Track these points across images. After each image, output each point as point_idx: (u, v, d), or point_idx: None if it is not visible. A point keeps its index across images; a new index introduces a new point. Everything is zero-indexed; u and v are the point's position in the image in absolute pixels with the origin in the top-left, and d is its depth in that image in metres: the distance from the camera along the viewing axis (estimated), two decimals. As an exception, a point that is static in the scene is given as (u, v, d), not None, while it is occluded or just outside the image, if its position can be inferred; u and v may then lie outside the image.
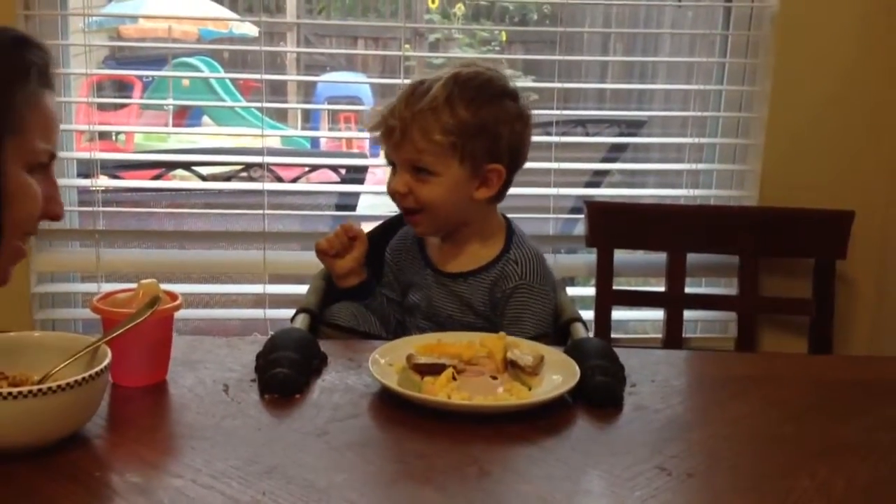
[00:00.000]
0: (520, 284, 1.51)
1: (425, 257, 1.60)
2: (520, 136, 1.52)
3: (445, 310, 1.54)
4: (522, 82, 2.21)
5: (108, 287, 1.84)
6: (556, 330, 1.50)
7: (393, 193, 1.52)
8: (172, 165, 2.91)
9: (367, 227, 1.68)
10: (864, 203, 2.08)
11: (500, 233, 1.57)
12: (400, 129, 1.46)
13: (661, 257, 2.10)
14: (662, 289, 2.11)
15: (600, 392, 1.15)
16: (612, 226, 2.09)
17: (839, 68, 2.10)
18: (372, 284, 1.59)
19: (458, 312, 1.53)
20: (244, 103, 5.08)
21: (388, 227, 1.70)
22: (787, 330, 2.17)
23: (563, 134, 2.33)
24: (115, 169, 2.65)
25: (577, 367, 1.17)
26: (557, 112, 2.18)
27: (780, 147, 2.13)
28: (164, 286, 1.20)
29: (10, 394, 0.91)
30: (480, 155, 1.47)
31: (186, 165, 2.82)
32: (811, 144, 2.13)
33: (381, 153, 1.58)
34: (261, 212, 2.15)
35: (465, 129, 1.45)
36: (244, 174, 2.74)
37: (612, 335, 2.09)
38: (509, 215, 1.60)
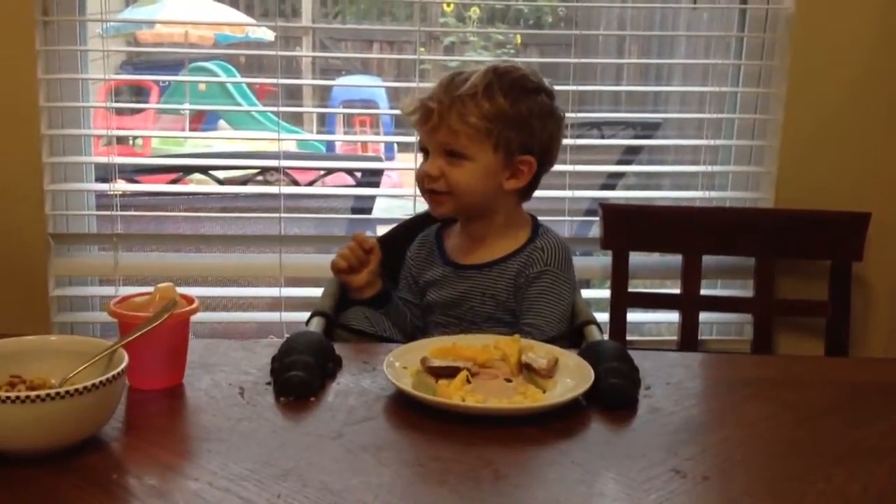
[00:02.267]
0: (545, 270, 1.53)
1: (444, 255, 1.61)
2: (552, 134, 1.55)
3: (467, 302, 1.55)
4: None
5: (125, 290, 1.86)
6: (571, 332, 1.50)
7: (423, 178, 1.53)
8: (189, 169, 2.92)
9: (381, 231, 1.69)
10: (880, 204, 2.07)
11: (526, 226, 1.59)
12: (438, 112, 1.49)
13: (676, 259, 2.10)
14: (678, 291, 2.10)
15: (615, 394, 1.15)
16: (627, 228, 2.09)
17: (855, 70, 2.09)
18: (389, 293, 1.60)
19: (478, 304, 1.54)
20: (260, 107, 5.11)
21: (403, 231, 1.71)
22: (804, 332, 2.16)
23: (579, 136, 2.33)
24: (132, 173, 2.66)
25: (591, 370, 1.17)
26: (573, 114, 2.18)
27: (795, 149, 2.12)
28: (181, 289, 1.21)
29: (28, 397, 0.92)
30: (514, 145, 1.50)
31: (203, 169, 2.84)
32: (827, 146, 2.12)
33: (415, 139, 1.59)
34: (277, 215, 2.16)
35: (501, 117, 1.49)
36: (260, 178, 2.75)
37: (627, 337, 2.09)
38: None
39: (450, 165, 1.51)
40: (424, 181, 1.53)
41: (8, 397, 0.92)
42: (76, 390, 0.94)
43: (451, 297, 1.56)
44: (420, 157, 1.59)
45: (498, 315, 1.53)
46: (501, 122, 1.49)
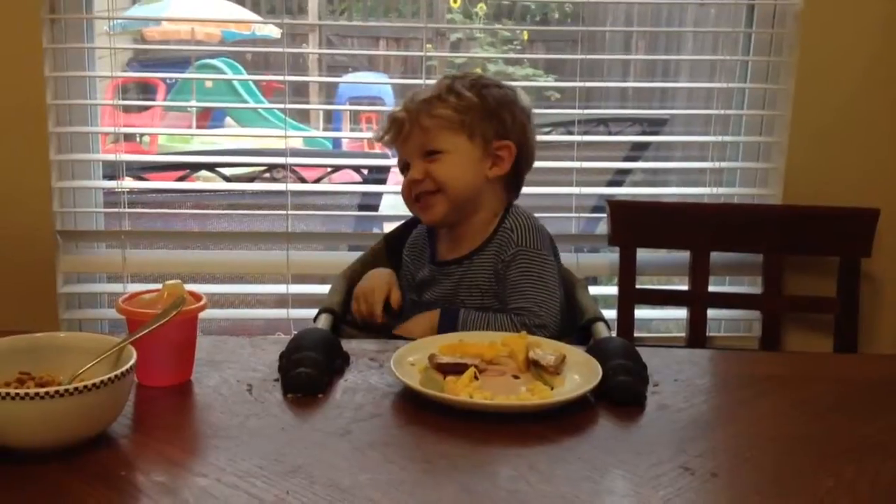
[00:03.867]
0: (518, 251, 1.53)
1: (433, 253, 1.61)
2: (523, 124, 1.57)
3: (457, 297, 1.55)
4: (544, 81, 2.21)
5: (133, 287, 1.86)
6: (579, 329, 1.50)
7: (409, 186, 1.55)
8: (196, 167, 2.92)
9: (388, 227, 1.69)
10: (889, 201, 2.06)
11: (500, 211, 1.59)
12: (408, 119, 1.53)
13: (684, 256, 2.10)
14: (686, 287, 2.10)
15: (623, 391, 1.15)
16: (634, 225, 2.08)
17: (863, 65, 2.08)
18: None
19: (467, 297, 1.55)
20: (267, 104, 5.11)
21: (410, 228, 1.71)
22: (812, 329, 2.15)
23: (586, 133, 2.33)
24: (139, 171, 2.67)
25: (599, 367, 1.17)
26: (579, 111, 2.18)
27: (803, 145, 2.11)
28: (189, 287, 1.21)
29: (36, 394, 0.92)
30: (489, 133, 1.53)
31: (210, 167, 2.84)
32: (835, 142, 2.11)
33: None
34: (284, 212, 2.16)
35: (470, 107, 1.52)
36: (267, 175, 2.75)
37: (635, 334, 2.09)
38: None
39: (431, 163, 1.52)
40: (411, 189, 1.55)
41: (17, 394, 0.92)
42: (85, 387, 0.94)
43: (442, 295, 1.56)
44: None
45: (487, 304, 1.53)
46: (471, 112, 1.52)
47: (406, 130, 1.53)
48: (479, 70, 1.63)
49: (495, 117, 1.53)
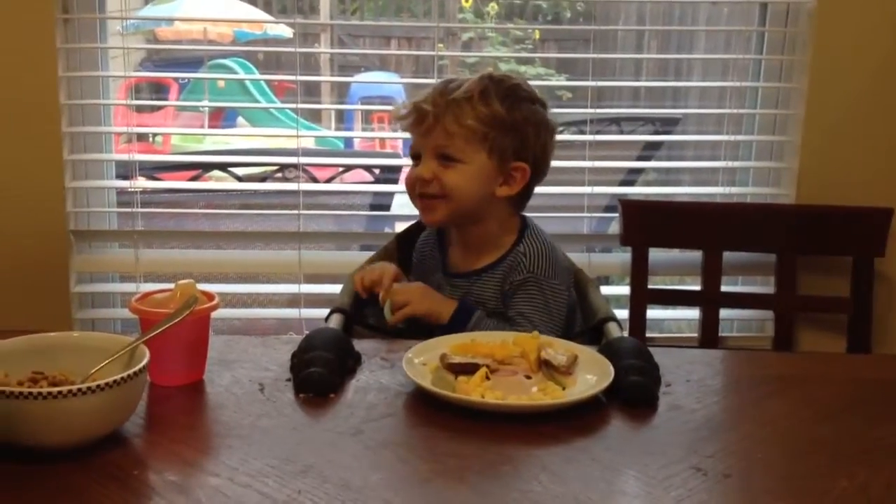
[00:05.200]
0: (528, 278, 1.51)
1: (444, 260, 1.60)
2: (545, 144, 1.55)
3: None
4: (556, 80, 2.21)
5: (146, 287, 1.86)
6: (590, 329, 1.50)
7: (415, 182, 1.52)
8: (209, 166, 2.93)
9: (399, 227, 1.68)
10: (903, 200, 2.06)
11: (514, 231, 1.57)
12: (433, 114, 1.49)
13: (696, 256, 2.09)
14: (698, 287, 2.09)
15: (635, 391, 1.15)
16: (647, 224, 2.08)
17: (877, 64, 2.07)
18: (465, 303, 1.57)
19: None
20: (279, 104, 5.12)
21: (421, 228, 1.71)
22: (825, 329, 2.15)
23: (598, 132, 2.32)
24: (152, 170, 2.68)
25: (611, 367, 1.17)
26: (591, 110, 2.17)
27: (817, 144, 2.10)
28: (201, 286, 1.21)
29: (49, 393, 0.93)
30: (508, 151, 1.50)
31: (222, 166, 2.84)
32: (849, 141, 2.10)
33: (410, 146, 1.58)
34: (296, 212, 2.16)
35: (496, 122, 1.48)
36: (279, 175, 2.76)
37: (647, 334, 2.08)
38: (544, 214, 1.60)
39: (443, 168, 1.49)
40: (416, 185, 1.52)
41: (31, 393, 0.93)
42: (98, 386, 0.95)
43: None
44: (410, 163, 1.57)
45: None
46: (497, 126, 1.48)
47: (428, 124, 1.49)
48: (515, 75, 1.58)
49: (519, 134, 1.50)
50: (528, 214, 1.61)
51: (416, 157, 1.55)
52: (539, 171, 1.55)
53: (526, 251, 1.53)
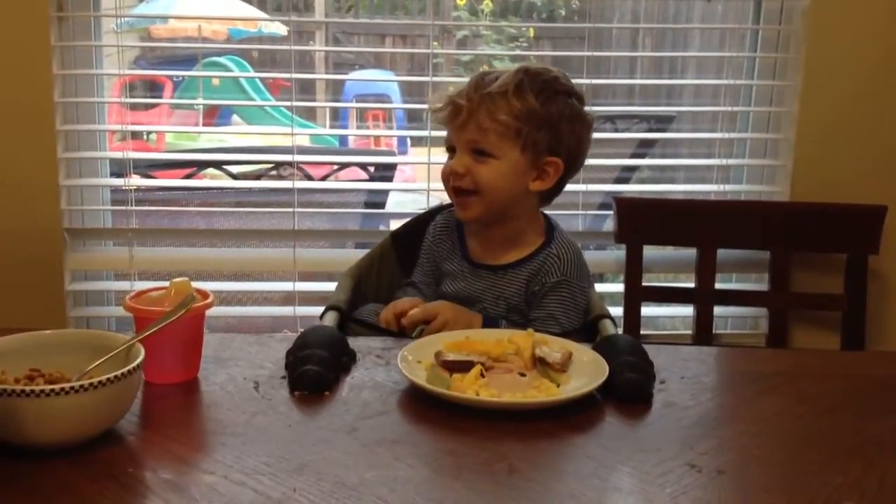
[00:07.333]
0: (561, 281, 1.52)
1: (464, 248, 1.60)
2: (580, 138, 1.55)
3: (480, 302, 1.54)
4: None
5: (140, 285, 1.86)
6: (585, 326, 1.50)
7: (448, 175, 1.52)
8: (203, 164, 2.93)
9: (395, 225, 1.68)
10: (897, 197, 2.06)
11: (540, 228, 1.58)
12: (467, 108, 1.49)
13: (690, 253, 2.09)
14: (692, 285, 2.09)
15: (629, 389, 1.15)
16: (641, 222, 2.08)
17: (871, 62, 2.08)
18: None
19: (491, 305, 1.54)
20: (273, 102, 5.11)
21: (417, 225, 1.71)
22: (819, 326, 2.15)
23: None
24: (147, 168, 2.67)
25: (605, 364, 1.17)
26: (586, 108, 2.17)
27: (811, 142, 2.11)
28: (196, 284, 1.21)
29: (43, 391, 0.93)
30: (542, 146, 1.50)
31: (217, 164, 2.84)
32: (843, 139, 2.11)
33: (443, 137, 1.57)
34: (291, 210, 2.16)
35: (531, 117, 1.48)
36: (274, 172, 2.76)
37: (642, 331, 2.09)
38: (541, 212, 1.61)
39: (476, 163, 1.49)
40: (450, 178, 1.52)
41: (25, 390, 0.93)
42: (93, 384, 0.94)
43: (464, 293, 1.56)
44: (441, 155, 1.57)
45: (509, 317, 1.53)
46: (531, 121, 1.48)
47: (462, 119, 1.49)
48: (552, 70, 1.57)
49: (553, 129, 1.50)
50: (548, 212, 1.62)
51: (451, 149, 1.55)
52: (573, 166, 1.56)
53: (559, 253, 1.54)
